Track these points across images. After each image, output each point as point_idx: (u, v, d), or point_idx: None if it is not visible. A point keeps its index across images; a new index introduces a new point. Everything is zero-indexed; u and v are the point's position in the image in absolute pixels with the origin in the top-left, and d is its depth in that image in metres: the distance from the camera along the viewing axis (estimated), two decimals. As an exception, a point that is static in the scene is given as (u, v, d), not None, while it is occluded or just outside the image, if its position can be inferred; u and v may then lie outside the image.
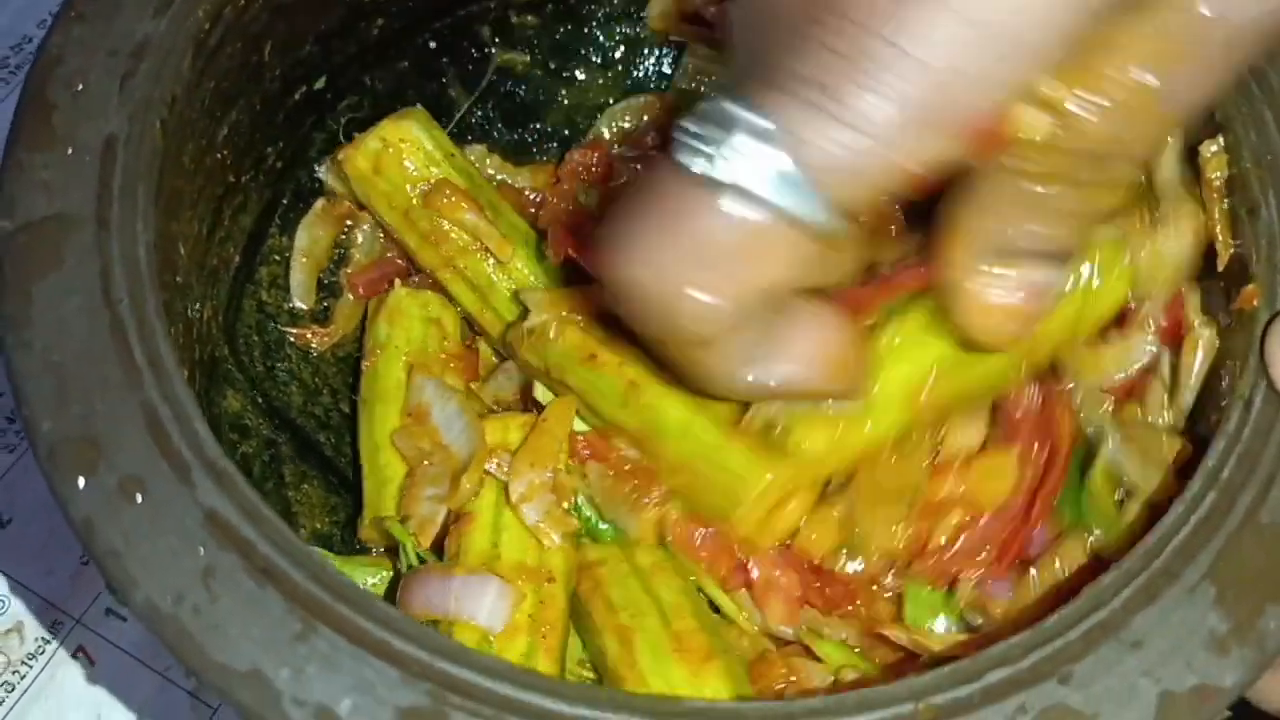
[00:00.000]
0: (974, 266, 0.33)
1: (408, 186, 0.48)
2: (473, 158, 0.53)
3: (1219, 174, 0.42)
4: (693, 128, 0.27)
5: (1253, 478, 0.35)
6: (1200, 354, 0.41)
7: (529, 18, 0.55)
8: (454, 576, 0.39)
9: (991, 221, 0.31)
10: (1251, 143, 0.41)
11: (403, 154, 0.48)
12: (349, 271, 0.51)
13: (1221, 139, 0.41)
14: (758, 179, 0.27)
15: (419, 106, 0.51)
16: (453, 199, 0.47)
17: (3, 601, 0.53)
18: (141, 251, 0.35)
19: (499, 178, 0.54)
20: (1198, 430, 0.40)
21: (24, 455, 0.56)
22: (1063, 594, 0.34)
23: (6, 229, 0.35)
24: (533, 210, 0.52)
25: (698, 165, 0.27)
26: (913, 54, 0.25)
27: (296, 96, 0.49)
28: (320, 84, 0.50)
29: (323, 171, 0.51)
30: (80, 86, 0.37)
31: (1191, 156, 0.42)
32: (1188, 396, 0.42)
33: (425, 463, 0.45)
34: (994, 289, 0.33)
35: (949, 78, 0.25)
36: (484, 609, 0.38)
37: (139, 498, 0.32)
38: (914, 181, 0.27)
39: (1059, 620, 0.32)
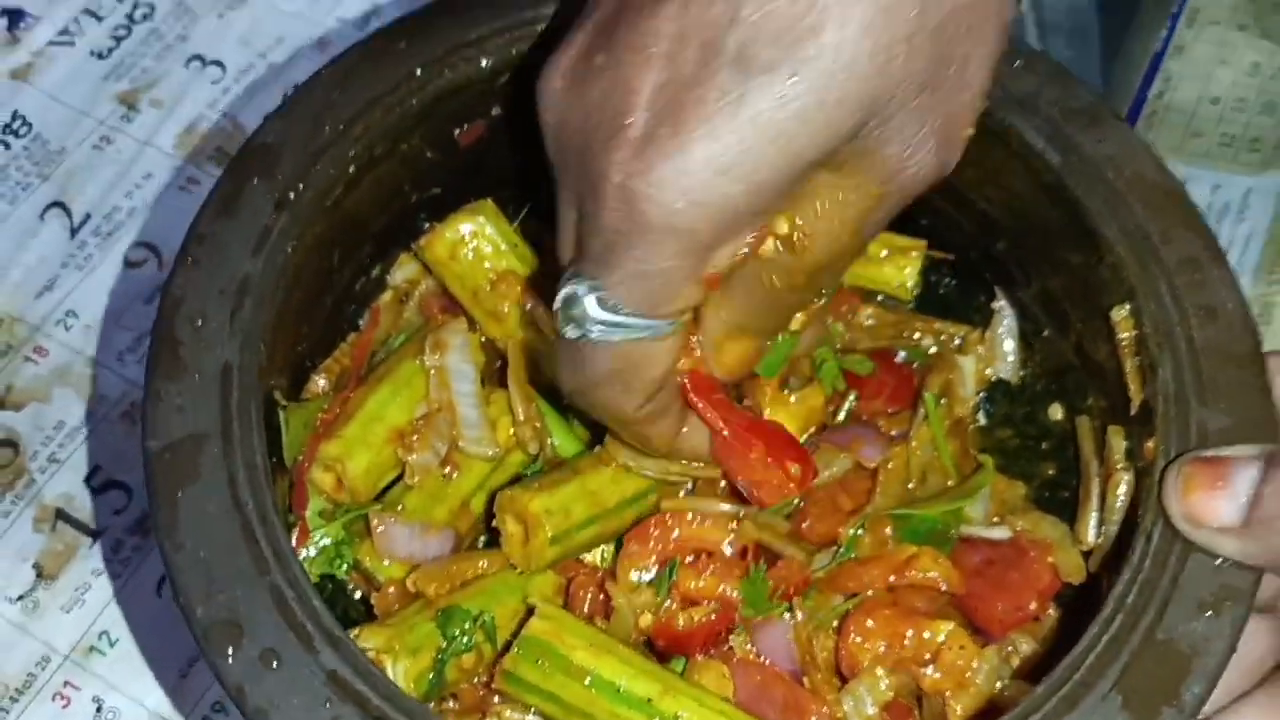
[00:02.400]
0: (715, 339, 0.47)
1: (477, 270, 0.57)
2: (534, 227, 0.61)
3: (1127, 334, 0.50)
4: (558, 310, 0.43)
5: (1152, 602, 0.43)
6: (1122, 493, 0.50)
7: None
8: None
9: (727, 313, 0.46)
10: (1151, 311, 0.49)
11: (473, 243, 0.57)
12: (423, 290, 0.59)
13: (1128, 305, 0.50)
14: (600, 327, 0.42)
15: (488, 200, 0.58)
16: (515, 288, 0.56)
17: (114, 712, 0.60)
18: (258, 459, 0.44)
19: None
20: (1122, 553, 0.49)
21: (129, 580, 0.63)
22: None
23: (153, 448, 0.44)
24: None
25: (569, 333, 0.43)
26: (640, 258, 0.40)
27: (357, 287, 0.58)
28: (376, 271, 0.59)
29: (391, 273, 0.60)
30: (199, 323, 0.46)
31: (1105, 320, 0.51)
32: (1112, 530, 0.51)
33: (438, 410, 0.53)
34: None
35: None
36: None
37: (275, 664, 0.40)
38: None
39: (1003, 726, 0.41)
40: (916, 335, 0.61)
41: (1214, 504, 0.43)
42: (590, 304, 0.41)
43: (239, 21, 0.80)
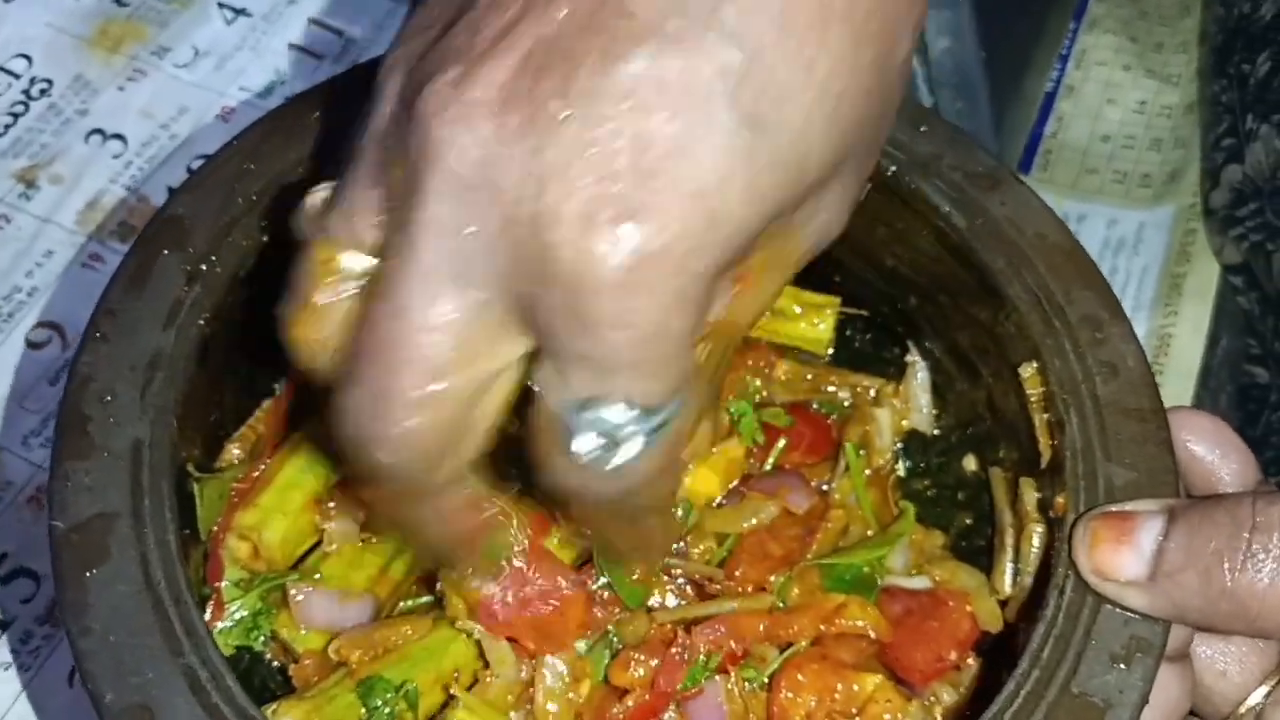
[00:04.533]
0: None
1: None
2: None
3: (1035, 391, 0.52)
4: (591, 452, 0.36)
5: (1066, 655, 0.44)
6: (1036, 544, 0.51)
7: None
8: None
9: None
10: (1056, 368, 0.51)
11: None
12: None
13: (1035, 363, 0.52)
14: (647, 435, 0.36)
15: None
16: None
17: (30, 811, 0.59)
18: (170, 537, 0.43)
19: None
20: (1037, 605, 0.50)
21: (39, 672, 0.61)
22: None
23: (60, 529, 0.43)
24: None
25: (613, 462, 0.36)
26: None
27: (271, 353, 0.57)
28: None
29: None
30: (109, 398, 0.45)
31: (1014, 376, 0.53)
32: (1027, 579, 0.52)
33: None
34: None
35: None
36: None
37: (188, 748, 0.40)
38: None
39: (923, 784, 0.41)
40: (832, 388, 0.62)
41: (1120, 559, 0.44)
42: (634, 420, 0.35)
43: (140, 94, 0.78)
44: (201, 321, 0.48)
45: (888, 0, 0.35)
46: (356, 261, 0.36)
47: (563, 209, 0.32)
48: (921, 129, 0.55)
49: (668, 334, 0.34)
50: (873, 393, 0.62)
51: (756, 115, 0.33)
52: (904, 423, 0.62)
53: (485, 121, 0.32)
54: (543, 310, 0.34)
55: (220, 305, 0.49)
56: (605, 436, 0.35)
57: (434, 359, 0.35)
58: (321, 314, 0.37)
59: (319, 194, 0.38)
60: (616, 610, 0.52)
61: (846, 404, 0.62)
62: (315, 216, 0.37)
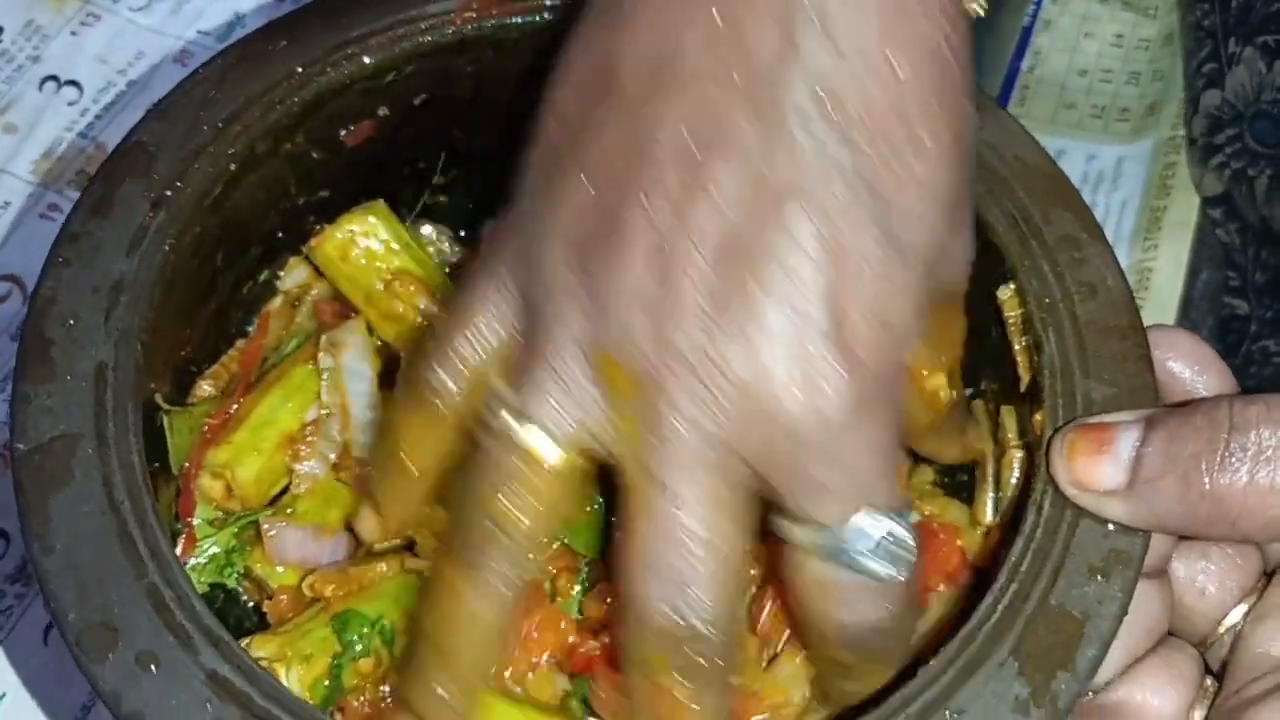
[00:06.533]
0: None
1: (369, 271, 0.56)
2: (426, 230, 0.60)
3: (1014, 313, 0.51)
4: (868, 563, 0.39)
5: (1044, 569, 0.43)
6: (1016, 469, 0.51)
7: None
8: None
9: None
10: (1034, 288, 0.50)
11: (365, 243, 0.55)
12: (315, 295, 0.58)
13: (1013, 285, 0.51)
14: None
15: (380, 200, 0.57)
16: (410, 288, 0.55)
17: (0, 768, 0.57)
18: (135, 459, 0.42)
19: (450, 257, 0.61)
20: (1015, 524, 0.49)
21: (13, 632, 0.60)
22: None
23: (21, 450, 0.42)
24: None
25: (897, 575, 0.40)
26: None
27: (244, 292, 0.57)
28: (264, 276, 0.58)
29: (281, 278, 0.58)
30: (72, 322, 0.45)
31: (992, 299, 0.52)
32: (1006, 504, 0.51)
33: (329, 415, 0.52)
34: None
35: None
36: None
37: (153, 668, 0.39)
38: None
39: (900, 698, 0.41)
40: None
41: (1098, 468, 0.43)
42: (901, 531, 0.39)
43: (94, 39, 0.77)
44: (167, 248, 0.47)
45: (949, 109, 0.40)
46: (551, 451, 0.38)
47: (778, 376, 0.36)
48: (898, 55, 0.55)
49: (894, 440, 0.39)
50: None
51: (894, 238, 0.37)
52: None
53: (694, 328, 0.36)
54: (776, 462, 0.37)
55: (186, 232, 0.48)
56: (878, 547, 0.38)
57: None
58: None
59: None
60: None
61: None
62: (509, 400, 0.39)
